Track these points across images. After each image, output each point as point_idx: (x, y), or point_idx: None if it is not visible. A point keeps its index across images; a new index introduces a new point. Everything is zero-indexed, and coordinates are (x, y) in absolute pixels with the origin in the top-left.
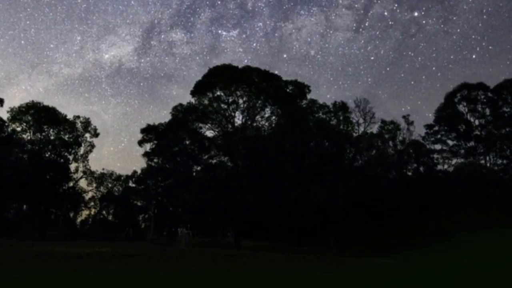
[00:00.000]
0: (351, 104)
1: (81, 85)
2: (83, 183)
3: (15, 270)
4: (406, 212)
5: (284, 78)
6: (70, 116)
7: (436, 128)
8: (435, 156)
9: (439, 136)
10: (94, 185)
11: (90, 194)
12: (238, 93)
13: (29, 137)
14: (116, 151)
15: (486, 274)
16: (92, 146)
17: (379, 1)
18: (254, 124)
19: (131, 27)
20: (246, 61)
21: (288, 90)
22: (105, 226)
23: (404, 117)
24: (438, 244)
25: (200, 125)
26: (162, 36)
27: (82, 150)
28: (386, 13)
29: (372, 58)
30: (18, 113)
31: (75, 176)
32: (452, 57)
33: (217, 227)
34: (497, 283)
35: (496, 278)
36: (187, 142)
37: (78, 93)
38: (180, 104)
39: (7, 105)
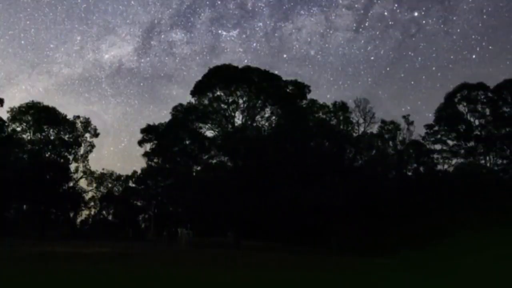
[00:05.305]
0: (351, 104)
1: (81, 85)
2: (83, 183)
3: (15, 270)
4: (406, 212)
5: (284, 78)
6: (70, 116)
7: (436, 128)
8: (435, 156)
9: (439, 136)
10: (94, 185)
11: (90, 194)
12: (238, 93)
13: (29, 137)
14: (116, 151)
15: (486, 274)
16: (92, 146)
17: (379, 1)
18: (254, 124)
19: (131, 27)
20: (246, 61)
21: (288, 90)
22: (105, 226)
23: (404, 117)
24: (438, 244)
25: (200, 125)
26: (162, 36)
27: (82, 150)
28: (386, 13)
29: (372, 58)
30: (18, 113)
31: (75, 176)
32: (452, 57)
33: (217, 227)
34: (497, 283)
35: (496, 278)
36: (187, 142)
37: (78, 93)
38: (180, 104)
39: (7, 105)
